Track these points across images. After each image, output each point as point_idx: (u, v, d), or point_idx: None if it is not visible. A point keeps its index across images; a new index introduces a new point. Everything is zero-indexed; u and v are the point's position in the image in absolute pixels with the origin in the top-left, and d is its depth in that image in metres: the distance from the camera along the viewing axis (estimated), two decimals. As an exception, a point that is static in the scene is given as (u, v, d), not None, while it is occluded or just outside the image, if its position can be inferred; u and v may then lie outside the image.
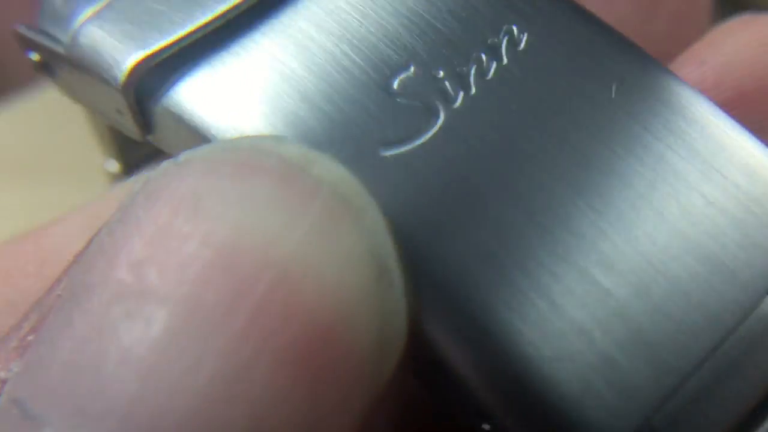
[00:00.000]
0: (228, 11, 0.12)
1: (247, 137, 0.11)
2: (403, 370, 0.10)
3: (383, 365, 0.10)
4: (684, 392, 0.10)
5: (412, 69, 0.12)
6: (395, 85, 0.12)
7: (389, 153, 0.11)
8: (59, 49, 0.12)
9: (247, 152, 0.10)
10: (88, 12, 0.12)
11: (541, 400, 0.10)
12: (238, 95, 0.11)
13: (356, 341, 0.09)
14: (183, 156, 0.10)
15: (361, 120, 0.11)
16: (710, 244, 0.11)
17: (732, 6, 0.44)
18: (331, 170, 0.10)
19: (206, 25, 0.12)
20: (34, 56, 0.13)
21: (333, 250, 0.09)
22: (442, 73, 0.12)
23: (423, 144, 0.11)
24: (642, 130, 0.11)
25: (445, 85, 0.12)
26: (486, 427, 0.11)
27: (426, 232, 0.11)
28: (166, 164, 0.10)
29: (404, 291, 0.10)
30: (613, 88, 0.11)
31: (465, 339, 0.10)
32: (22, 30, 0.13)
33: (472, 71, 0.12)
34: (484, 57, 0.12)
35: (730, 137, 0.11)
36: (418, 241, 0.10)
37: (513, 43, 0.12)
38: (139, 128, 0.12)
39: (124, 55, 0.12)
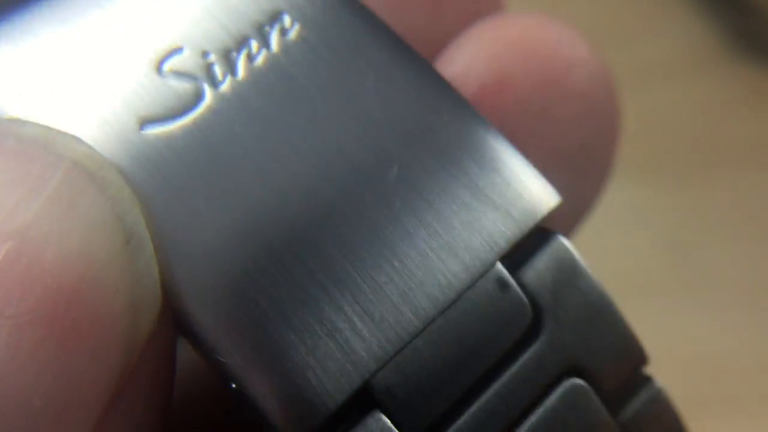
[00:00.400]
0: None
1: None
2: (167, 330, 0.11)
3: (137, 323, 0.10)
4: (404, 357, 0.11)
5: (184, 51, 0.12)
6: (165, 66, 0.12)
7: (149, 130, 0.11)
8: None
9: None
10: None
11: (270, 360, 0.11)
12: (13, 75, 0.12)
13: (105, 300, 0.10)
14: None
15: (126, 97, 0.12)
16: (438, 227, 0.12)
17: (730, 5, 0.44)
18: (73, 146, 0.10)
19: None
20: None
21: (75, 217, 0.10)
22: (212, 57, 0.12)
23: (183, 123, 0.12)
24: (390, 122, 0.12)
25: (214, 68, 0.12)
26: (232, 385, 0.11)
27: (177, 206, 0.11)
28: None
29: (154, 255, 0.11)
30: (371, 80, 0.12)
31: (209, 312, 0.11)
32: None
33: (241, 56, 0.12)
34: (254, 43, 0.12)
35: (470, 128, 0.12)
36: (171, 213, 0.11)
37: (283, 31, 0.12)
38: None
39: None
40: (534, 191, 0.12)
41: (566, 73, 0.15)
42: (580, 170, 0.15)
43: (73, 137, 0.11)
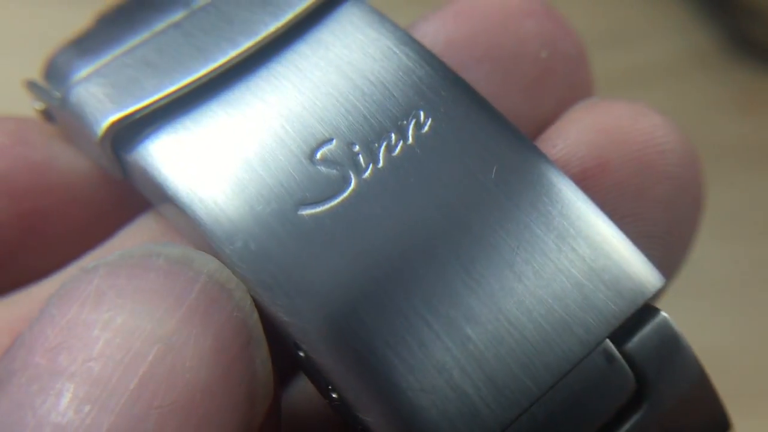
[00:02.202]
0: (190, 83, 0.15)
1: (141, 245, 0.13)
2: (275, 418, 0.13)
3: (254, 411, 0.12)
4: (522, 422, 0.13)
5: (333, 142, 0.14)
6: (318, 155, 0.14)
7: (305, 212, 0.14)
8: (54, 103, 0.15)
9: (140, 256, 0.13)
10: (82, 73, 0.15)
11: (407, 422, 0.12)
12: (192, 157, 0.14)
13: (231, 392, 0.12)
14: (91, 264, 0.13)
15: (287, 183, 0.14)
16: (555, 304, 0.13)
17: (730, 8, 0.44)
18: (208, 263, 0.13)
19: (172, 93, 0.15)
20: (38, 105, 0.16)
21: (209, 323, 0.12)
22: (357, 147, 0.14)
23: (334, 206, 0.14)
24: (513, 206, 0.14)
25: (359, 158, 0.14)
26: None
27: (328, 278, 0.13)
28: (76, 271, 0.13)
29: (269, 354, 0.13)
30: (494, 169, 0.14)
31: (351, 368, 0.13)
32: (30, 82, 0.16)
33: (382, 147, 0.14)
34: (393, 136, 0.14)
35: (584, 215, 0.14)
36: (322, 282, 0.13)
37: (418, 125, 0.14)
38: (117, 172, 0.15)
39: (102, 115, 0.14)
40: (641, 273, 0.14)
41: (659, 157, 0.16)
42: (670, 244, 0.17)
43: (208, 256, 0.13)
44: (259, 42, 0.15)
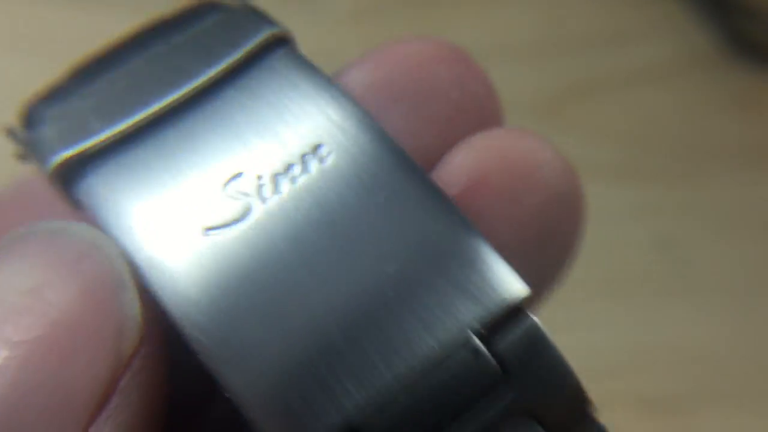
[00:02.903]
0: (131, 125, 0.16)
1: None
2: (154, 353, 0.15)
3: (122, 344, 0.14)
4: (382, 404, 0.14)
5: (242, 175, 0.16)
6: (228, 187, 0.16)
7: (210, 234, 0.15)
8: (23, 147, 0.17)
9: (24, 231, 0.15)
10: (45, 118, 0.17)
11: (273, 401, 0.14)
12: (122, 192, 0.16)
13: (96, 329, 0.14)
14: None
15: (197, 210, 0.16)
16: (420, 310, 0.15)
17: (729, 9, 0.44)
18: (82, 229, 0.15)
19: (112, 136, 0.16)
20: (15, 150, 0.18)
21: (78, 271, 0.14)
22: (264, 179, 0.16)
23: (237, 230, 0.15)
24: (395, 227, 0.16)
25: (263, 188, 0.16)
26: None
27: (221, 295, 0.15)
28: None
29: (136, 293, 0.15)
30: (382, 198, 0.16)
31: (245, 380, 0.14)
32: (8, 129, 0.18)
33: (287, 178, 0.16)
34: (296, 168, 0.16)
35: (457, 233, 0.16)
36: (215, 298, 0.15)
37: (320, 159, 0.16)
38: (74, 207, 0.17)
39: (51, 155, 0.16)
40: (506, 283, 0.15)
41: (533, 171, 0.18)
42: (547, 249, 0.19)
43: (84, 225, 0.15)
44: (196, 87, 0.17)
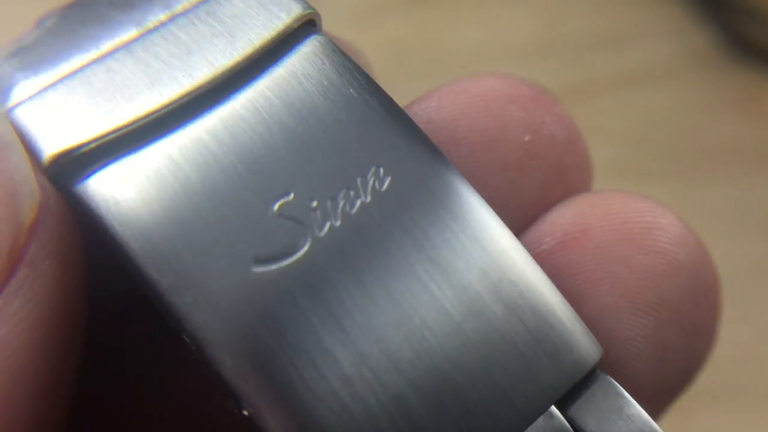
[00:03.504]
0: (142, 117, 0.14)
1: None
2: (59, 220, 0.14)
3: (18, 210, 0.13)
4: None
5: (291, 195, 0.14)
6: (275, 207, 0.14)
7: (259, 269, 0.13)
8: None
9: None
10: (26, 91, 0.14)
11: None
12: (141, 200, 0.14)
13: None
14: None
15: (242, 236, 0.13)
16: (497, 372, 0.13)
17: (728, 9, 0.44)
18: None
19: (122, 128, 0.14)
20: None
21: None
22: (315, 203, 0.14)
23: (289, 265, 0.13)
24: (464, 267, 0.14)
25: (317, 214, 0.14)
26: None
27: (275, 333, 0.13)
28: None
29: (25, 156, 0.14)
30: (448, 229, 0.14)
31: (264, 389, 0.13)
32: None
33: (340, 205, 0.14)
34: (351, 192, 0.14)
35: (532, 282, 0.14)
36: (269, 335, 0.13)
37: (377, 182, 0.14)
38: (71, 206, 0.15)
39: (47, 145, 0.14)
40: (582, 344, 0.14)
41: (646, 231, 0.16)
42: (663, 322, 0.16)
43: None
44: (216, 77, 0.14)
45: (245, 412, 0.13)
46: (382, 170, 0.14)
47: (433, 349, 0.13)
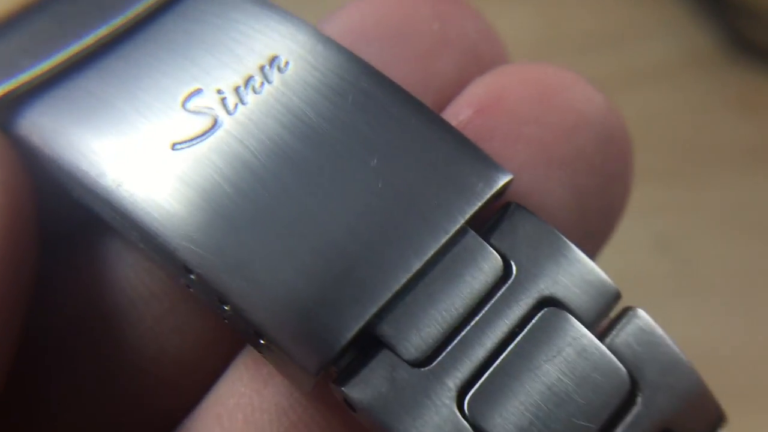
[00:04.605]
0: (64, 59, 0.16)
1: None
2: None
3: None
4: (396, 302, 0.14)
5: (202, 91, 0.16)
6: (188, 104, 0.16)
7: (178, 150, 0.15)
8: None
9: None
10: None
11: (289, 308, 0.14)
12: (71, 121, 0.15)
13: None
14: None
15: (160, 127, 0.15)
16: (416, 199, 0.15)
17: (728, 9, 0.44)
18: None
19: (47, 71, 0.16)
20: None
21: None
22: (225, 93, 0.16)
23: (207, 142, 0.15)
24: (366, 126, 0.15)
25: (226, 101, 0.16)
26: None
27: (204, 203, 0.15)
28: None
29: None
30: (350, 98, 0.16)
31: (237, 278, 0.14)
32: None
33: (249, 89, 0.16)
34: (257, 79, 0.16)
35: (428, 126, 0.15)
36: (196, 207, 0.15)
37: (280, 69, 0.16)
38: (16, 146, 0.16)
39: None
40: (491, 171, 0.15)
41: (555, 93, 0.17)
42: (578, 172, 0.17)
43: None
44: (126, 19, 0.16)
45: (191, 276, 0.14)
46: (282, 58, 0.16)
47: (345, 185, 0.15)
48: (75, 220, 0.17)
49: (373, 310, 0.14)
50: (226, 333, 0.17)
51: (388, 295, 0.14)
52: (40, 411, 0.17)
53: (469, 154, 0.15)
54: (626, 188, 0.19)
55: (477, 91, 0.17)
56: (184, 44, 0.16)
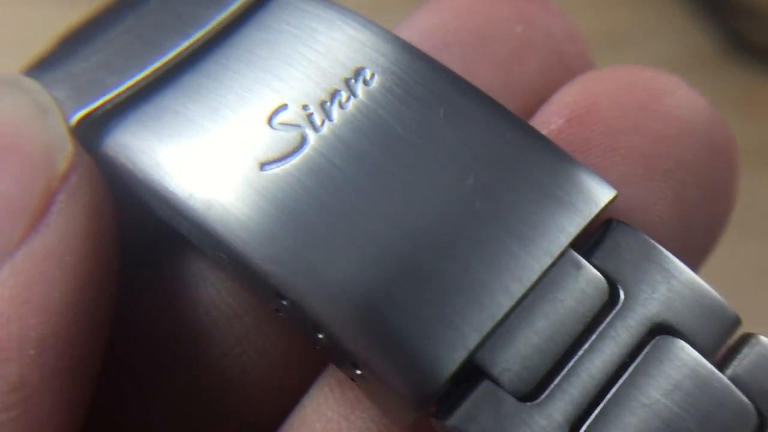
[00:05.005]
0: (146, 76, 0.16)
1: None
2: (91, 174, 0.15)
3: (52, 158, 0.15)
4: (499, 331, 0.13)
5: (288, 107, 0.15)
6: (274, 120, 0.15)
7: (267, 170, 0.15)
8: None
9: None
10: (46, 83, 0.16)
11: (392, 345, 0.13)
12: (157, 141, 0.15)
13: (25, 148, 0.15)
14: None
15: (247, 147, 0.15)
16: (516, 223, 0.14)
17: (728, 10, 0.44)
18: (8, 73, 0.16)
19: (130, 87, 0.16)
20: None
21: (9, 101, 0.15)
22: (311, 108, 0.15)
23: (295, 162, 0.15)
24: (461, 143, 0.15)
25: (313, 117, 0.15)
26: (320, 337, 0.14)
27: (299, 226, 0.14)
28: None
29: (59, 115, 0.15)
30: (441, 111, 0.15)
31: (334, 307, 0.14)
32: None
33: (335, 104, 0.15)
34: (343, 93, 0.15)
35: (528, 142, 0.15)
36: (293, 231, 0.14)
37: (365, 81, 0.15)
38: (102, 165, 0.16)
39: (67, 115, 0.16)
40: (593, 187, 0.14)
41: (653, 99, 0.16)
42: (683, 183, 0.16)
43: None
44: (208, 32, 0.16)
45: (284, 302, 0.14)
46: (368, 71, 0.15)
47: (443, 214, 0.14)
48: (159, 239, 0.17)
49: (477, 340, 0.13)
50: (310, 353, 0.16)
51: (491, 325, 0.13)
52: (126, 426, 0.17)
53: (569, 168, 0.14)
54: (731, 200, 0.18)
55: (568, 98, 0.16)
56: (264, 57, 0.16)
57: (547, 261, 0.14)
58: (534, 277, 0.14)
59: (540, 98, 0.17)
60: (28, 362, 0.14)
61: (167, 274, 0.17)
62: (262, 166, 0.15)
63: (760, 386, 0.14)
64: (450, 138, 0.15)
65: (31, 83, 0.16)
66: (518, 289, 0.14)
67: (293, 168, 0.14)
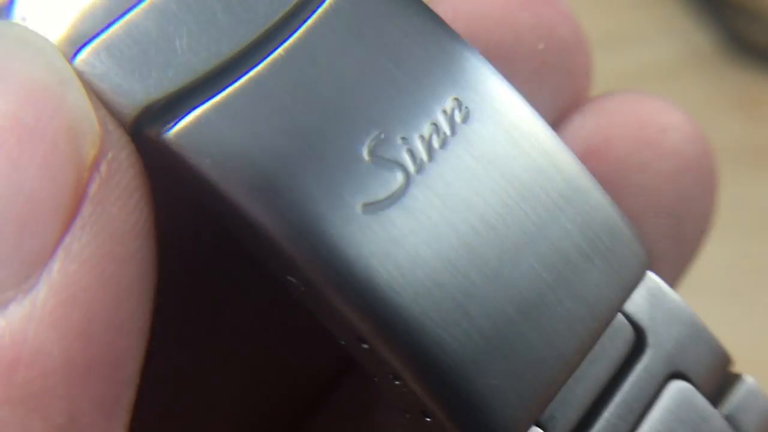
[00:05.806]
0: (219, 65, 0.13)
1: None
2: (128, 161, 0.13)
3: (78, 143, 0.13)
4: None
5: (382, 135, 0.14)
6: (369, 149, 0.14)
7: (367, 213, 0.13)
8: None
9: None
10: (89, 39, 0.13)
11: (475, 409, 0.13)
12: (236, 147, 0.13)
13: (44, 127, 0.12)
14: None
15: (345, 182, 0.13)
16: (574, 279, 0.14)
17: (728, 9, 0.44)
18: (7, 25, 0.13)
19: (201, 78, 0.13)
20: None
21: (15, 70, 0.13)
22: (405, 140, 0.14)
23: (400, 204, 0.13)
24: (541, 190, 0.14)
25: (410, 151, 0.14)
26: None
27: (397, 274, 0.13)
28: None
29: (83, 89, 0.13)
30: (527, 155, 0.14)
31: (418, 359, 0.13)
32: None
33: (428, 139, 0.14)
34: (436, 126, 0.14)
35: (590, 191, 0.14)
36: (393, 279, 0.13)
37: (456, 113, 0.14)
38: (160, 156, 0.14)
39: (127, 98, 0.13)
40: (638, 246, 0.14)
41: (661, 135, 0.17)
42: (680, 218, 0.17)
43: (4, 22, 0.13)
44: (282, 19, 0.14)
45: (364, 346, 0.13)
46: (459, 100, 0.14)
47: (534, 276, 0.14)
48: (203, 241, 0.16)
49: (545, 405, 0.14)
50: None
51: (556, 391, 0.14)
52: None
53: (623, 227, 0.14)
54: (706, 230, 0.18)
55: (581, 131, 0.17)
56: (352, 62, 0.14)
57: (603, 326, 0.14)
58: (591, 345, 0.14)
59: (551, 120, 0.17)
60: (76, 396, 0.12)
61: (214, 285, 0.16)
62: (365, 207, 0.13)
63: (751, 425, 0.15)
64: (537, 191, 0.14)
65: (43, 42, 0.13)
66: (576, 359, 0.14)
67: (398, 210, 0.13)
